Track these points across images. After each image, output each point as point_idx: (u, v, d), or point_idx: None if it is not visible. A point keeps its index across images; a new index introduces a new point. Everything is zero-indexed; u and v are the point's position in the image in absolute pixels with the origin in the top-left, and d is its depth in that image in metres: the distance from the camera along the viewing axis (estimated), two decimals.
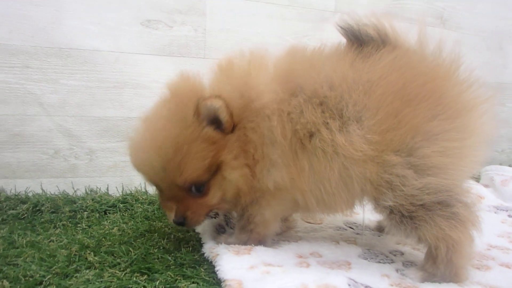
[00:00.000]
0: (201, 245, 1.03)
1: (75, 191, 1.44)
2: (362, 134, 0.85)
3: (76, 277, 0.87)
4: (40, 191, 1.41)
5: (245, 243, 0.98)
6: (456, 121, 0.84)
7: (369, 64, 0.88)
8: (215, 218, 1.13)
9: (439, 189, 0.83)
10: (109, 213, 1.33)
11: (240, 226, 1.00)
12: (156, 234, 1.13)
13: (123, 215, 1.31)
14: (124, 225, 1.21)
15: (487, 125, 0.87)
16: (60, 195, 1.38)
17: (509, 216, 1.42)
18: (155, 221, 1.26)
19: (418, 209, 0.85)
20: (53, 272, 0.88)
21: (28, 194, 1.37)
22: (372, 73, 0.86)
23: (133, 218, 1.28)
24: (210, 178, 0.90)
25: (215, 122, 0.89)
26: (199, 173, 0.88)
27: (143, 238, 1.11)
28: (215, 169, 0.90)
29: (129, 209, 1.36)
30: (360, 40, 0.91)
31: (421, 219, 0.85)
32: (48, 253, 0.98)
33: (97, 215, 1.30)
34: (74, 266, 0.92)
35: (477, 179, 1.81)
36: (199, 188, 0.91)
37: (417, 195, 0.84)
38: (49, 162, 1.45)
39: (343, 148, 0.86)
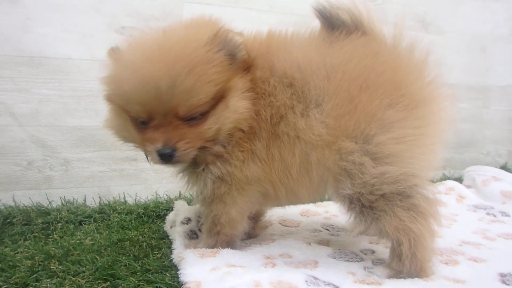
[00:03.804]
0: (171, 252, 1.00)
1: (50, 203, 1.40)
2: (321, 119, 0.84)
3: (35, 286, 0.83)
4: (12, 204, 1.37)
5: (213, 247, 0.95)
6: (413, 111, 0.83)
7: (334, 49, 0.86)
8: (187, 224, 1.10)
9: (398, 178, 0.82)
10: (85, 224, 1.30)
11: (207, 230, 0.97)
12: (128, 242, 1.10)
13: (98, 225, 1.28)
14: (97, 235, 1.17)
15: (444, 121, 0.86)
16: (33, 207, 1.34)
17: (487, 214, 1.42)
18: (130, 230, 1.22)
19: (378, 199, 0.83)
20: (12, 282, 0.85)
21: (0, 207, 1.32)
22: (335, 58, 0.85)
23: (108, 228, 1.24)
24: (211, 108, 0.83)
25: (230, 57, 0.84)
26: (207, 99, 0.81)
27: (114, 247, 1.07)
28: (219, 98, 0.83)
29: (105, 219, 1.33)
30: (332, 24, 0.89)
31: (381, 209, 0.83)
32: (11, 263, 0.94)
33: (72, 226, 1.27)
34: (35, 275, 0.88)
35: (460, 180, 1.80)
36: (196, 116, 0.83)
37: (376, 184, 0.82)
38: (23, 173, 1.41)
39: (303, 132, 0.85)
